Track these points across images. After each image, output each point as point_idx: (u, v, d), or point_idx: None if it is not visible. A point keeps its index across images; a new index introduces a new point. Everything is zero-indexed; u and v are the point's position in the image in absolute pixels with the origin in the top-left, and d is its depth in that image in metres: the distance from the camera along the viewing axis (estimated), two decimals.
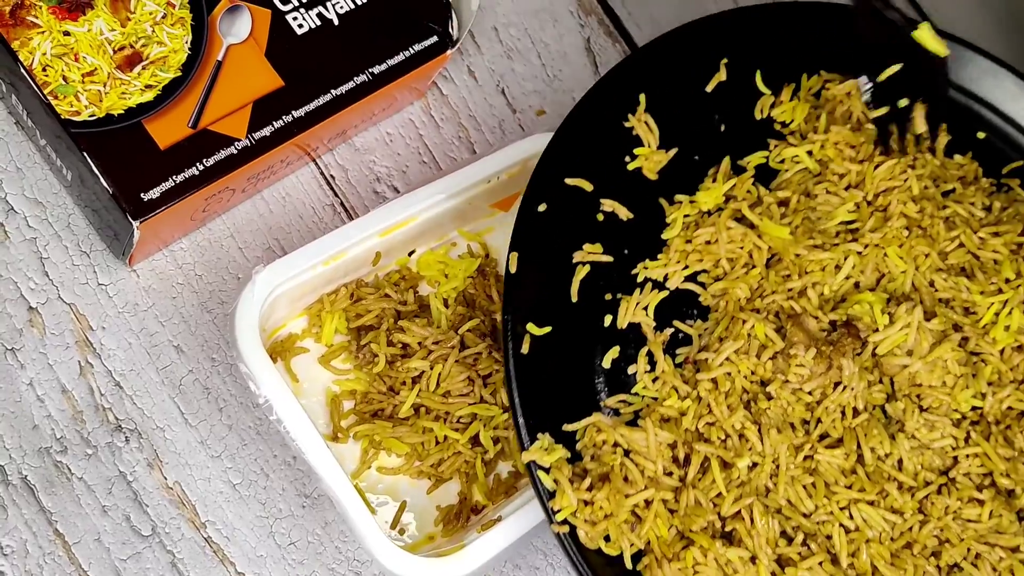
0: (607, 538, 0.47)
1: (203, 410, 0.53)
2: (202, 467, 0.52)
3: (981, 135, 0.57)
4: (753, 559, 0.47)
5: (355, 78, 0.55)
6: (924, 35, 0.49)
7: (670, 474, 0.48)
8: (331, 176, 0.59)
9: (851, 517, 0.48)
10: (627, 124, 0.53)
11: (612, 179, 0.53)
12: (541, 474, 0.47)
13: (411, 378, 0.54)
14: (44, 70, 0.49)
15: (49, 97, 0.49)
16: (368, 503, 0.51)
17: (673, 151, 0.54)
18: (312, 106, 0.54)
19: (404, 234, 0.56)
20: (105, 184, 0.49)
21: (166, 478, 0.52)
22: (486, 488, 0.54)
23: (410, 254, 0.59)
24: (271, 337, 0.55)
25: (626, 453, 0.48)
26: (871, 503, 0.48)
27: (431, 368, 0.54)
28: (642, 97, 0.53)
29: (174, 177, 0.50)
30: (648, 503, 0.47)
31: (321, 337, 0.55)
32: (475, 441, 0.54)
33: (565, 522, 0.46)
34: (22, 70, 0.49)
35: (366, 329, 0.56)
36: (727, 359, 0.49)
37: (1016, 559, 0.49)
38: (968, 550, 0.49)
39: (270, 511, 0.53)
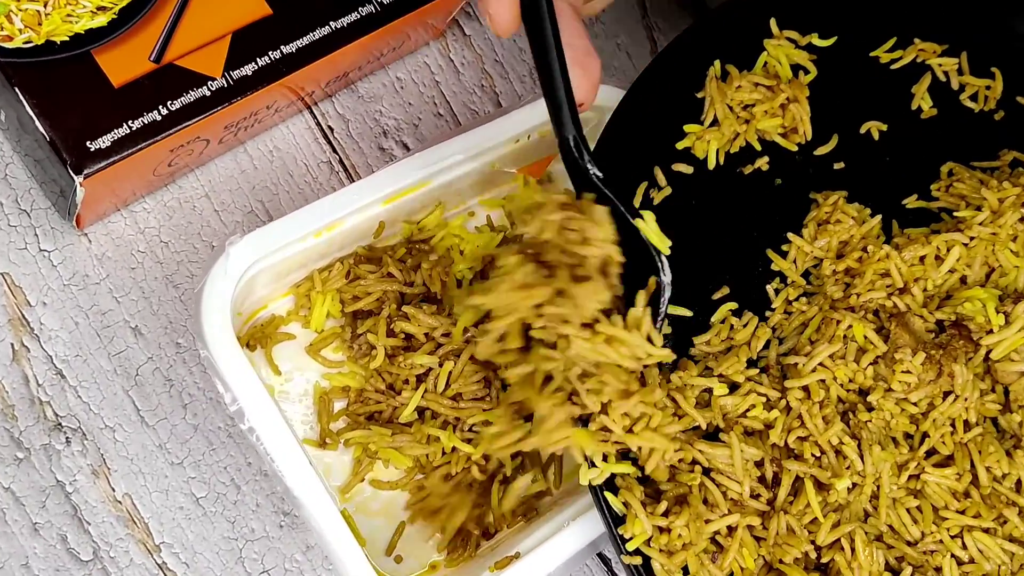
0: (685, 570, 0.42)
1: (163, 407, 0.46)
2: (159, 476, 0.45)
3: None
4: None
5: (359, 8, 0.47)
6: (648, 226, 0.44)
7: (757, 496, 0.44)
8: (329, 128, 0.51)
9: (964, 547, 0.44)
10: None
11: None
12: (609, 496, 0.42)
13: (415, 376, 0.46)
14: None
15: None
16: (357, 532, 0.43)
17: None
18: (305, 40, 0.46)
19: (413, 201, 0.48)
20: (41, 129, 0.40)
21: (114, 489, 0.44)
22: (500, 512, 0.45)
23: (417, 223, 0.49)
24: (248, 321, 0.47)
25: (706, 472, 0.43)
26: (987, 530, 0.44)
27: (439, 365, 0.47)
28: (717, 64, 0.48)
29: (130, 122, 0.42)
30: (732, 529, 0.43)
31: (310, 322, 0.47)
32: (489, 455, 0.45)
33: (637, 552, 0.41)
34: None
35: (364, 315, 0.47)
36: (821, 364, 0.45)
37: None
38: None
39: (240, 531, 0.45)
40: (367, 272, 0.47)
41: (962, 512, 0.44)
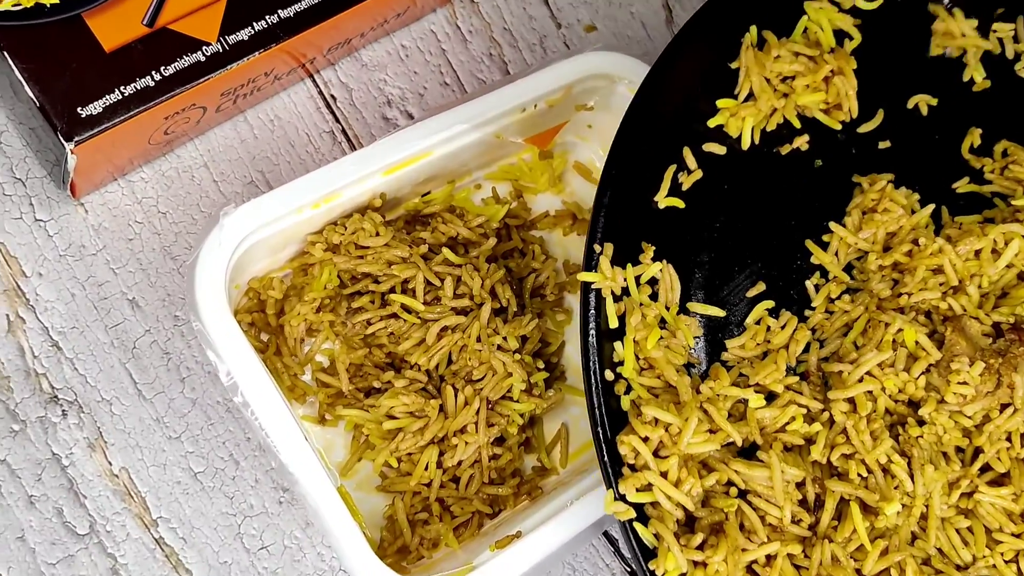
0: None
1: (161, 380, 0.45)
2: (156, 450, 0.45)
3: None
4: None
5: None
6: None
7: (798, 521, 0.40)
8: (331, 96, 0.51)
9: (1020, 572, 0.41)
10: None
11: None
12: (639, 527, 0.38)
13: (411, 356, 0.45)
14: None
15: None
16: (354, 509, 0.42)
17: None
18: (303, 4, 0.45)
19: (416, 172, 0.47)
20: (31, 94, 0.39)
21: (111, 463, 0.44)
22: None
23: (424, 196, 0.48)
24: (246, 294, 0.45)
25: (742, 494, 0.40)
26: None
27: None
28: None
29: (122, 88, 0.41)
30: (771, 559, 0.39)
31: (309, 291, 0.45)
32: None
33: None
34: None
35: (358, 294, 0.46)
36: (868, 373, 0.41)
37: None
38: None
39: (239, 507, 0.45)
40: (368, 238, 0.46)
41: (1018, 536, 0.41)
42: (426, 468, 0.44)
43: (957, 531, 0.41)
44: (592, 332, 0.39)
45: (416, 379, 0.45)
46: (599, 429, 0.39)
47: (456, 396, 0.44)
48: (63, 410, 0.44)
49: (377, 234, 0.46)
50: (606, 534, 0.48)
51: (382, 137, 0.46)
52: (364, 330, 0.45)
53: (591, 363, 0.39)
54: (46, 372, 0.44)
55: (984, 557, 0.41)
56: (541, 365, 0.47)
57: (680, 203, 0.42)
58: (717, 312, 0.42)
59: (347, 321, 0.46)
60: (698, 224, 0.43)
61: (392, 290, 0.46)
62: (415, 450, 0.44)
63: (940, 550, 0.41)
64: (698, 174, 0.43)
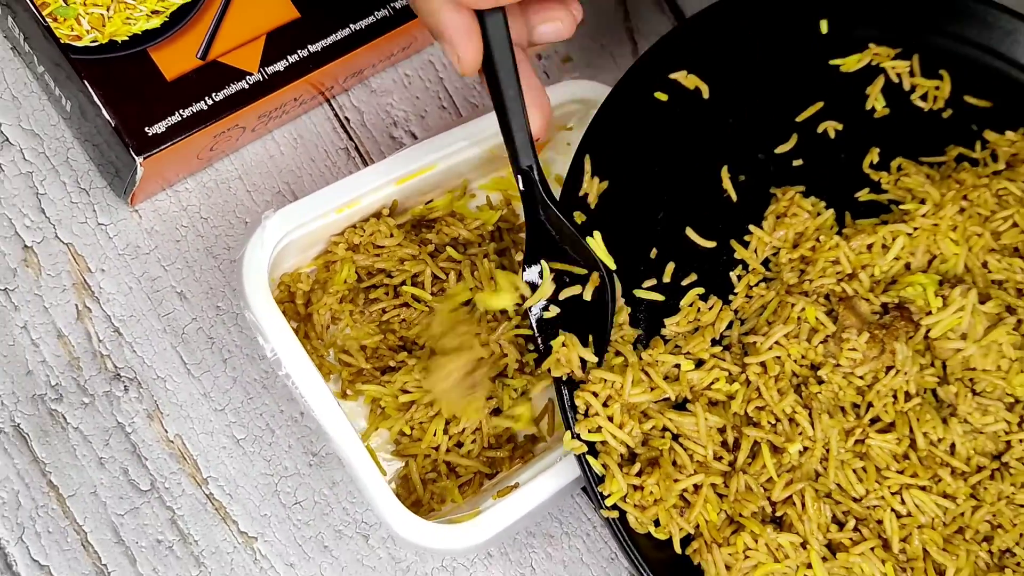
0: (656, 523, 0.46)
1: (207, 361, 0.51)
2: (204, 420, 0.50)
3: None
4: (804, 544, 0.46)
5: (375, 12, 0.52)
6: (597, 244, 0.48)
7: (719, 459, 0.47)
8: (346, 118, 0.57)
9: (903, 502, 0.47)
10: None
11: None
12: (591, 459, 0.46)
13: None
14: None
15: (48, 20, 0.46)
16: (379, 463, 0.48)
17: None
18: (329, 40, 0.51)
19: (422, 182, 0.53)
20: (107, 116, 0.46)
21: (166, 431, 0.50)
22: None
23: (428, 204, 0.56)
24: (279, 286, 0.52)
25: (675, 438, 0.47)
26: (923, 488, 0.48)
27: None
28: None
29: (181, 111, 0.47)
30: (697, 488, 0.46)
31: (331, 285, 0.53)
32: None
33: (615, 507, 0.46)
34: None
35: (375, 287, 0.53)
36: (777, 343, 0.48)
37: None
38: (1021, 535, 0.48)
39: (275, 468, 0.51)
40: (384, 238, 0.53)
41: (901, 472, 0.47)
42: (435, 435, 0.51)
43: (853, 470, 0.47)
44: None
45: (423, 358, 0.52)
46: (562, 388, 0.46)
47: None
48: (125, 386, 0.50)
49: (391, 235, 0.53)
50: (584, 490, 0.55)
51: (394, 153, 0.52)
52: (380, 317, 0.53)
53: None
54: (109, 354, 0.50)
55: (875, 490, 0.47)
56: (531, 347, 0.54)
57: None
58: (658, 297, 0.49)
59: (364, 310, 0.53)
60: (645, 226, 0.50)
61: (404, 283, 0.53)
62: (426, 419, 0.52)
63: (839, 485, 0.47)
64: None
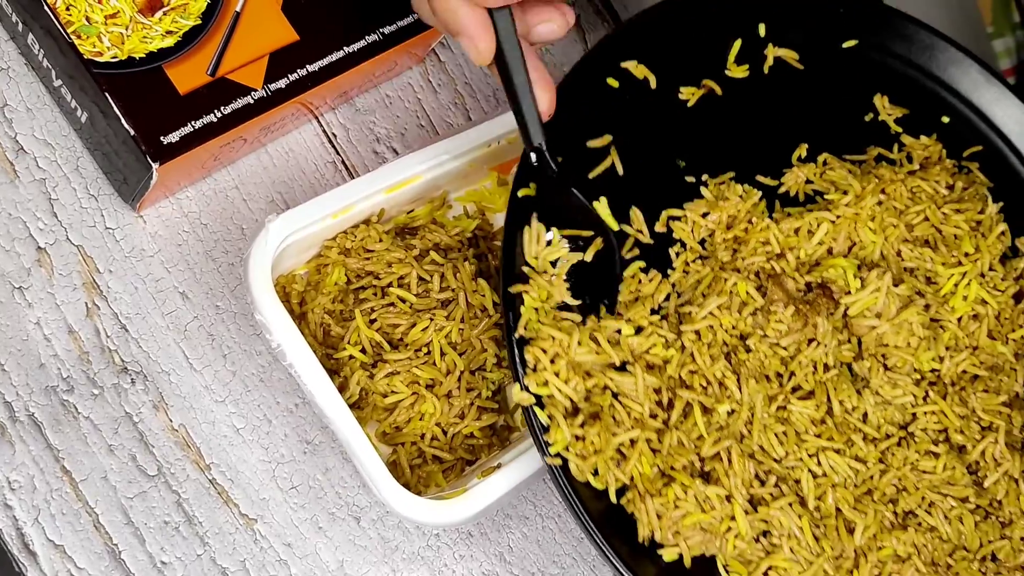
0: (595, 473, 0.48)
1: (207, 356, 0.54)
2: (207, 411, 0.53)
3: (945, 119, 0.60)
4: (728, 497, 0.49)
5: (366, 36, 0.57)
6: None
7: (655, 416, 0.50)
8: (333, 134, 0.61)
9: (819, 464, 0.51)
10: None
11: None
12: (537, 410, 0.48)
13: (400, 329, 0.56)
14: (68, 9, 0.50)
15: (72, 37, 0.49)
16: (377, 447, 0.52)
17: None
18: (325, 61, 0.55)
19: (408, 192, 0.57)
20: (126, 125, 0.50)
21: (171, 420, 0.53)
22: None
23: (409, 213, 0.60)
24: (279, 284, 0.56)
25: (615, 396, 0.50)
26: (838, 451, 0.51)
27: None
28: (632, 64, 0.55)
29: (193, 123, 0.51)
30: (633, 442, 0.49)
31: (324, 286, 0.56)
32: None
33: (558, 455, 0.48)
34: (46, 8, 0.49)
35: (363, 288, 0.57)
36: (710, 313, 0.52)
37: (965, 508, 0.53)
38: (923, 499, 0.53)
39: (272, 456, 0.54)
40: (373, 243, 0.57)
41: (819, 436, 0.51)
42: (420, 420, 0.55)
43: (775, 434, 0.50)
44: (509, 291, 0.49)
45: (408, 356, 0.56)
46: (513, 346, 0.48)
47: (443, 358, 0.55)
48: (132, 379, 0.53)
49: (380, 240, 0.57)
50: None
51: (375, 167, 0.56)
52: (369, 316, 0.57)
53: (508, 312, 0.49)
54: (117, 349, 0.53)
55: (794, 452, 0.51)
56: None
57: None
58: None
59: (354, 310, 0.57)
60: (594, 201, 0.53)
61: (391, 284, 0.57)
62: (413, 414, 0.56)
63: (762, 447, 0.50)
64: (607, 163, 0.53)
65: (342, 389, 0.55)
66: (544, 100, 0.50)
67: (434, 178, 0.58)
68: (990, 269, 0.57)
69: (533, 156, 0.50)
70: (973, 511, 0.53)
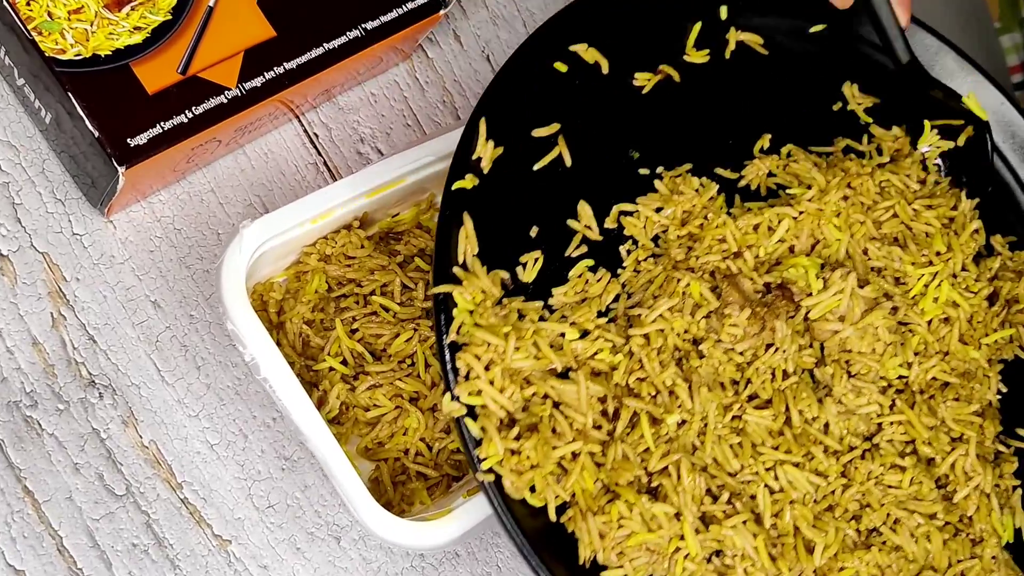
0: (532, 489, 0.46)
1: (180, 368, 0.52)
2: (179, 426, 0.51)
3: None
4: (678, 515, 0.47)
5: (347, 32, 0.54)
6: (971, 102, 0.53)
7: (599, 428, 0.47)
8: (315, 135, 0.58)
9: (776, 478, 0.48)
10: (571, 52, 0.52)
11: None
12: (468, 421, 0.45)
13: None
14: (28, 4, 0.47)
15: (33, 33, 0.47)
16: (356, 465, 0.50)
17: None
18: (304, 59, 0.53)
19: (391, 196, 0.55)
20: (90, 127, 0.47)
21: (141, 436, 0.50)
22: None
23: (394, 216, 0.58)
24: (255, 293, 0.53)
25: (556, 405, 0.47)
26: (796, 465, 0.49)
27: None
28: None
29: (162, 123, 0.49)
30: (575, 455, 0.46)
31: (304, 295, 0.54)
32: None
33: (491, 471, 0.45)
34: (5, 3, 0.47)
35: (344, 296, 0.54)
36: (661, 316, 0.49)
37: (933, 525, 0.50)
38: (888, 515, 0.50)
39: (248, 473, 0.51)
40: (355, 249, 0.55)
41: (776, 448, 0.48)
42: (404, 434, 0.53)
43: (730, 446, 0.48)
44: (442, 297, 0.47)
45: (392, 367, 0.54)
46: (444, 352, 0.45)
47: (428, 370, 0.53)
48: (100, 392, 0.51)
49: (361, 246, 0.55)
50: None
51: (359, 169, 0.54)
52: (350, 326, 0.55)
53: (439, 315, 0.46)
54: (84, 361, 0.51)
55: (749, 465, 0.48)
56: None
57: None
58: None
59: (335, 319, 0.55)
60: (539, 194, 0.50)
61: (373, 292, 0.55)
62: (396, 429, 0.53)
63: (715, 460, 0.47)
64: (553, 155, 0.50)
65: (321, 403, 0.52)
66: (902, 14, 0.54)
67: (419, 180, 0.56)
68: (963, 269, 0.54)
69: (907, 70, 0.55)
70: (941, 528, 0.50)
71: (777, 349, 0.50)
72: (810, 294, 0.50)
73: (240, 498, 0.51)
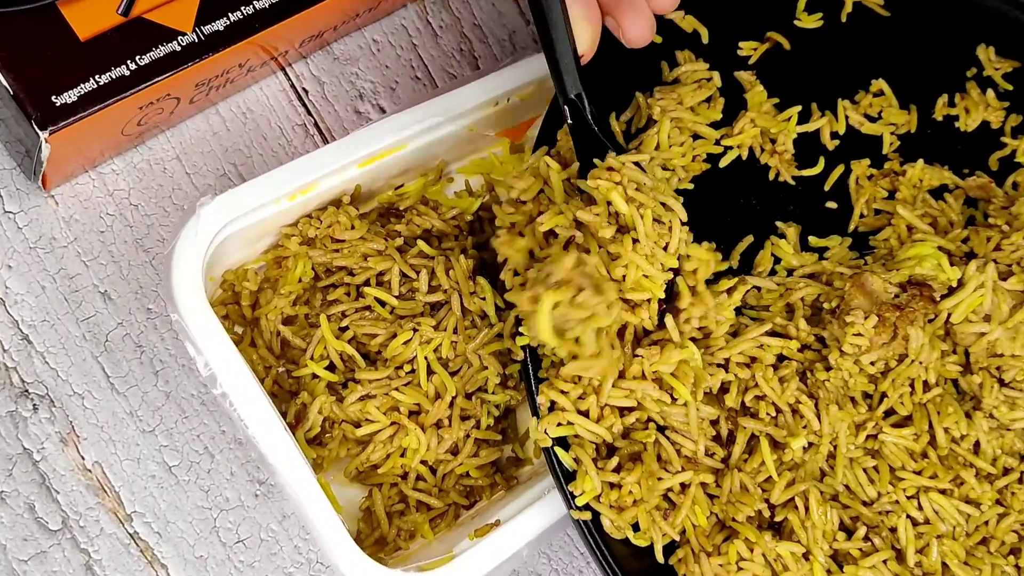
0: (635, 527, 0.42)
1: (134, 373, 0.46)
2: (130, 444, 0.45)
3: None
4: (806, 555, 0.43)
5: None
6: None
7: (711, 455, 0.44)
8: (304, 90, 0.51)
9: (920, 508, 0.45)
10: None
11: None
12: (560, 451, 0.42)
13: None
14: None
15: None
16: (334, 499, 0.41)
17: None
18: None
19: (390, 165, 0.48)
20: (4, 82, 0.39)
21: (83, 457, 0.44)
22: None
23: (397, 189, 0.48)
24: (220, 285, 0.45)
25: (661, 429, 0.43)
26: (943, 492, 0.45)
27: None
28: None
29: (97, 77, 0.42)
30: (685, 487, 0.43)
31: (283, 285, 0.45)
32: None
33: (587, 507, 0.42)
34: None
35: (333, 287, 0.46)
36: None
37: None
38: None
39: (214, 500, 0.45)
40: (344, 231, 0.46)
41: (919, 473, 0.45)
42: (402, 456, 0.44)
43: (864, 470, 0.44)
44: None
45: (387, 375, 0.45)
46: (530, 378, 0.42)
47: (431, 379, 0.44)
48: (34, 404, 0.43)
49: (352, 227, 0.46)
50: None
51: (357, 129, 0.46)
52: (339, 322, 0.46)
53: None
54: (16, 366, 0.43)
55: (888, 493, 0.44)
56: (520, 356, 0.47)
57: None
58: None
59: (320, 315, 0.46)
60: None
61: (367, 282, 0.46)
62: (392, 449, 0.44)
63: (847, 487, 0.44)
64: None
65: (299, 419, 0.44)
66: (585, 35, 0.42)
67: (426, 146, 0.48)
68: None
69: (567, 112, 0.43)
70: None
71: (912, 360, 0.45)
72: (946, 294, 0.46)
73: (203, 531, 0.45)
